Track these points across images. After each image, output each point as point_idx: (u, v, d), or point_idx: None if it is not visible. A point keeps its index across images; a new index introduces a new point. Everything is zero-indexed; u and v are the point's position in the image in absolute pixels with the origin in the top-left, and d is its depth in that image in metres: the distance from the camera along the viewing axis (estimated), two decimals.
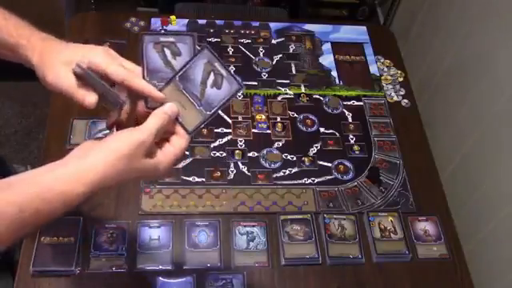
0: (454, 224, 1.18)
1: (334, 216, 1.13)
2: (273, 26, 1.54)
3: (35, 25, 0.79)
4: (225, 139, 1.24)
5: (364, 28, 1.57)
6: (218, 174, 1.18)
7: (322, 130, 1.30)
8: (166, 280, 1.01)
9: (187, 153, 1.20)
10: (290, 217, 1.12)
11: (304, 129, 1.30)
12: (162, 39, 0.69)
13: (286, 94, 1.36)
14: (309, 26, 1.55)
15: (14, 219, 0.58)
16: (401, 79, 1.45)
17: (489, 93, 1.30)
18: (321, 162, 1.23)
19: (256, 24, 1.54)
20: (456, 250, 1.14)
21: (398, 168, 1.25)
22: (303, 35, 1.53)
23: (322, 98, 1.37)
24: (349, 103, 1.37)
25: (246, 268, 1.05)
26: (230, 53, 1.44)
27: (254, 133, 1.27)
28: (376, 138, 1.30)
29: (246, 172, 1.19)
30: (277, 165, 1.21)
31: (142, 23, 1.46)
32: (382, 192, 1.20)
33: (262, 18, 1.67)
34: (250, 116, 1.30)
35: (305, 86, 1.39)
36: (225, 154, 1.22)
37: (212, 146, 1.23)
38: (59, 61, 0.71)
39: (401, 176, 1.23)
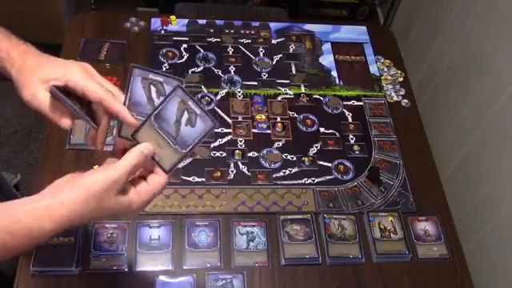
0: (454, 224, 1.18)
1: (334, 216, 1.13)
2: (273, 25, 1.54)
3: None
4: (225, 139, 1.24)
5: (364, 28, 1.57)
6: (218, 173, 1.18)
7: (322, 129, 1.30)
8: (165, 280, 1.01)
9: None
10: (289, 217, 1.12)
11: (304, 129, 1.30)
12: (151, 76, 0.69)
13: (286, 93, 1.36)
14: (309, 26, 1.55)
15: None
16: (401, 79, 1.45)
17: (489, 93, 1.31)
18: (321, 162, 1.23)
19: (256, 24, 1.54)
20: (456, 250, 1.14)
21: (398, 168, 1.25)
22: (303, 35, 1.53)
23: (322, 98, 1.37)
24: (349, 103, 1.37)
25: (245, 268, 1.05)
26: (230, 53, 1.44)
27: (254, 133, 1.27)
28: (376, 138, 1.30)
29: (246, 172, 1.19)
30: (277, 165, 1.21)
31: (142, 23, 1.46)
32: (382, 192, 1.20)
33: (261, 18, 1.68)
34: (250, 116, 1.30)
35: (305, 86, 1.39)
36: (225, 154, 1.22)
37: (212, 146, 1.23)
38: (36, 78, 0.71)
39: (401, 176, 1.23)
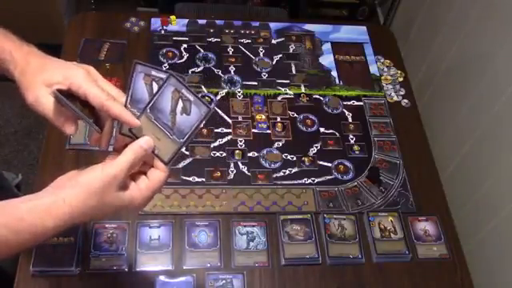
0: (454, 224, 1.18)
1: (334, 216, 1.13)
2: (273, 25, 1.54)
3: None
4: (225, 139, 1.24)
5: (364, 28, 1.57)
6: (218, 174, 1.18)
7: (322, 129, 1.30)
8: (165, 280, 1.01)
9: (187, 153, 1.20)
10: (289, 217, 1.12)
11: (304, 129, 1.30)
12: (154, 73, 0.69)
13: (286, 93, 1.36)
14: (309, 26, 1.55)
15: None
16: (401, 79, 1.45)
17: (489, 93, 1.30)
18: (321, 162, 1.23)
19: (256, 24, 1.54)
20: (456, 250, 1.14)
21: (398, 168, 1.25)
22: (303, 35, 1.53)
23: (322, 98, 1.37)
24: (349, 103, 1.37)
25: (245, 268, 1.05)
26: (230, 53, 1.44)
27: (254, 133, 1.27)
28: (376, 138, 1.30)
29: (246, 172, 1.19)
30: (277, 165, 1.21)
31: (142, 23, 1.46)
32: (382, 192, 1.20)
33: (261, 18, 1.68)
34: (250, 116, 1.30)
35: (305, 86, 1.39)
36: (225, 154, 1.22)
37: (212, 145, 1.23)
38: (40, 81, 0.70)
39: (401, 176, 1.23)
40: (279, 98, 1.35)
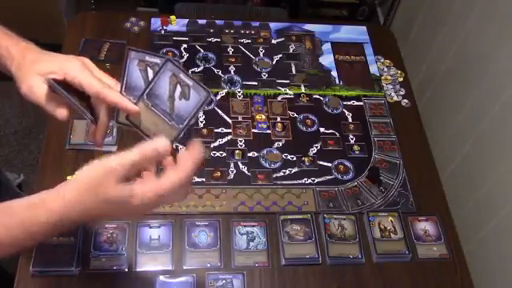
0: (454, 224, 1.18)
1: (334, 216, 1.13)
2: (273, 26, 1.54)
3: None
4: (225, 139, 1.24)
5: (364, 28, 1.57)
6: (218, 174, 1.18)
7: (322, 130, 1.30)
8: (165, 280, 1.01)
9: None
10: (290, 217, 1.12)
11: (304, 129, 1.30)
12: (148, 59, 0.67)
13: (286, 94, 1.36)
14: (309, 26, 1.55)
15: None
16: (401, 79, 1.45)
17: (489, 93, 1.30)
18: (321, 162, 1.23)
19: (256, 24, 1.54)
20: (456, 250, 1.14)
21: (398, 168, 1.25)
22: (303, 35, 1.53)
23: (322, 98, 1.37)
24: (349, 103, 1.37)
25: (246, 268, 1.05)
26: (230, 53, 1.44)
27: (254, 133, 1.27)
28: (376, 138, 1.30)
29: (246, 172, 1.19)
30: (277, 165, 1.21)
31: (142, 23, 1.46)
32: (382, 192, 1.20)
33: (261, 18, 1.68)
34: (250, 116, 1.30)
35: (305, 86, 1.39)
36: (225, 154, 1.22)
37: (212, 146, 1.23)
38: (35, 71, 0.71)
39: (401, 176, 1.23)
40: (279, 98, 1.35)
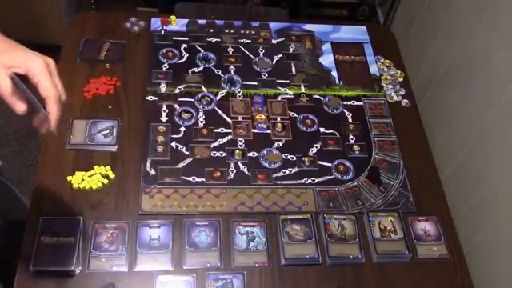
0: (454, 224, 1.18)
1: (334, 216, 1.13)
2: (273, 26, 1.54)
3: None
4: (225, 139, 1.24)
5: (364, 28, 1.57)
6: (218, 173, 1.18)
7: (322, 129, 1.30)
8: (165, 280, 1.01)
9: (187, 153, 1.20)
10: (290, 217, 1.12)
11: (304, 129, 1.30)
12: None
13: (286, 94, 1.36)
14: (309, 26, 1.55)
15: None
16: (401, 79, 1.45)
17: (488, 93, 1.30)
18: (321, 162, 1.23)
19: (256, 24, 1.54)
20: (456, 250, 1.14)
21: (397, 168, 1.25)
22: (303, 35, 1.53)
23: (322, 98, 1.37)
24: (349, 103, 1.37)
25: (246, 268, 1.05)
26: (230, 53, 1.44)
27: (254, 133, 1.27)
28: (376, 138, 1.30)
29: (246, 172, 1.19)
30: (277, 165, 1.21)
31: (141, 23, 1.47)
32: (382, 192, 1.20)
33: (261, 18, 1.68)
34: (250, 116, 1.30)
35: (305, 86, 1.39)
36: (225, 154, 1.22)
37: (212, 146, 1.23)
38: (0, 63, 0.73)
39: (401, 176, 1.23)
40: (279, 98, 1.35)
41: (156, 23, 1.47)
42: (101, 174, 1.13)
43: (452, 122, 1.47)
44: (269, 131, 1.28)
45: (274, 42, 1.49)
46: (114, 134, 1.20)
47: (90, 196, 1.11)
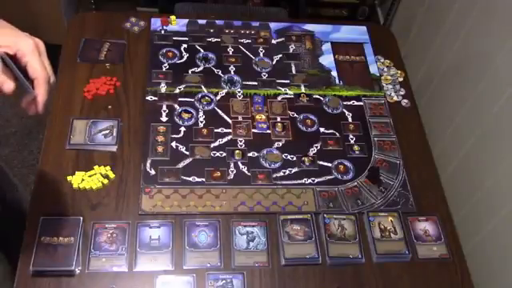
0: (454, 224, 1.18)
1: (334, 216, 1.13)
2: (273, 26, 1.54)
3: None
4: (225, 139, 1.24)
5: (364, 28, 1.57)
6: (218, 174, 1.18)
7: (322, 130, 1.30)
8: (165, 280, 1.01)
9: (187, 153, 1.20)
10: (290, 217, 1.12)
11: (304, 129, 1.30)
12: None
13: (286, 94, 1.36)
14: (309, 26, 1.55)
15: None
16: (401, 79, 1.45)
17: (489, 93, 1.31)
18: (321, 162, 1.23)
19: (256, 24, 1.54)
20: (456, 249, 1.14)
21: (397, 168, 1.25)
22: (303, 35, 1.53)
23: (321, 98, 1.37)
24: (349, 103, 1.37)
25: (245, 268, 1.05)
26: (230, 53, 1.44)
27: (254, 133, 1.27)
28: (376, 138, 1.30)
29: (246, 172, 1.19)
30: (277, 165, 1.21)
31: (141, 23, 1.46)
32: (382, 192, 1.20)
33: (261, 18, 1.68)
34: (250, 116, 1.30)
35: (305, 86, 1.39)
36: (225, 154, 1.22)
37: (212, 146, 1.23)
38: None
39: (401, 176, 1.23)
40: (279, 98, 1.35)
41: (156, 23, 1.47)
42: (101, 174, 1.13)
43: (452, 122, 1.48)
44: (269, 131, 1.28)
45: (273, 41, 1.49)
46: (114, 133, 1.20)
47: (90, 196, 1.11)
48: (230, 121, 1.28)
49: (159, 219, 1.09)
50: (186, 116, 1.27)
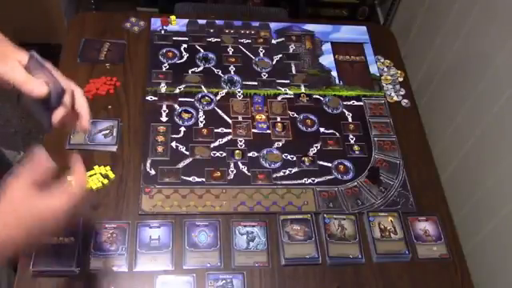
0: (454, 224, 1.18)
1: (334, 216, 1.13)
2: (273, 26, 1.54)
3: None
4: (225, 139, 1.24)
5: (364, 28, 1.57)
6: (218, 174, 1.18)
7: (322, 130, 1.30)
8: (165, 280, 1.01)
9: (187, 153, 1.20)
10: (290, 217, 1.12)
11: (304, 129, 1.30)
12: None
13: (286, 94, 1.36)
14: (309, 26, 1.55)
15: None
16: (401, 79, 1.45)
17: (489, 93, 1.31)
18: (321, 162, 1.23)
19: (256, 24, 1.54)
20: (456, 249, 1.14)
21: (397, 168, 1.25)
22: (303, 35, 1.53)
23: (321, 98, 1.37)
24: (349, 103, 1.37)
25: (245, 268, 1.05)
26: (230, 53, 1.44)
27: (254, 133, 1.27)
28: (376, 138, 1.30)
29: (246, 172, 1.19)
30: (277, 165, 1.21)
31: (141, 23, 1.46)
32: (382, 192, 1.20)
33: (261, 18, 1.68)
34: (250, 116, 1.30)
35: (305, 86, 1.39)
36: (225, 154, 1.22)
37: (212, 146, 1.23)
38: (14, 58, 0.75)
39: (401, 176, 1.23)
40: (279, 98, 1.35)
41: (156, 23, 1.47)
42: (101, 174, 1.13)
43: (452, 122, 1.48)
44: (269, 131, 1.28)
45: (274, 41, 1.49)
46: (114, 133, 1.20)
47: (89, 196, 1.11)
48: (230, 121, 1.28)
49: (159, 219, 1.09)
50: (185, 116, 1.27)
